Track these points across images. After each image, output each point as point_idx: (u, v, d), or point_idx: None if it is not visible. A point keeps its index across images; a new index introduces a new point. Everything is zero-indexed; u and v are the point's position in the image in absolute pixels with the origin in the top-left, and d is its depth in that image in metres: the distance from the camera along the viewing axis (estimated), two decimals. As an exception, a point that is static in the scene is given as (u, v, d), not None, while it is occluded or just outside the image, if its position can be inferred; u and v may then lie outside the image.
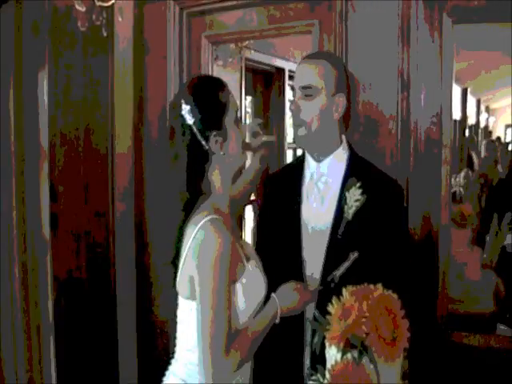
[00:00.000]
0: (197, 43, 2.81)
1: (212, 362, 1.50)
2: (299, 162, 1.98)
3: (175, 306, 1.73)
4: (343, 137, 1.93)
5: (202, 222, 1.55)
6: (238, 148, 1.69)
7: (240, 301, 1.60)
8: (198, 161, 1.62)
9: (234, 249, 1.59)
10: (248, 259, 1.70)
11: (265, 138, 2.13)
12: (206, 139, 1.61)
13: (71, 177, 2.60)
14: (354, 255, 1.69)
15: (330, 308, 1.41)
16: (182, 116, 1.60)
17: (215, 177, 1.67)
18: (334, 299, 1.42)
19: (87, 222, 2.69)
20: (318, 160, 1.89)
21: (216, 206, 1.64)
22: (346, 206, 1.75)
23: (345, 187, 1.78)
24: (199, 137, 1.60)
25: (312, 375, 1.44)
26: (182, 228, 1.63)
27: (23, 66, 2.48)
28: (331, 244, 1.80)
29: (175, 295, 1.72)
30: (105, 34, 2.52)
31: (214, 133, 1.61)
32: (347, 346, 1.35)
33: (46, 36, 2.48)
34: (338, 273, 1.70)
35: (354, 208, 1.74)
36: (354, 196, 1.74)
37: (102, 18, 2.45)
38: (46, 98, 2.48)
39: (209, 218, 1.55)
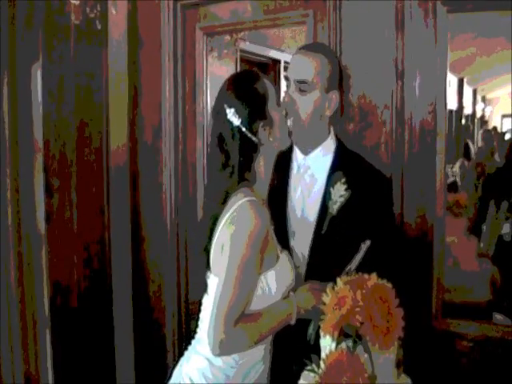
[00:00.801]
0: (191, 35, 2.80)
1: (225, 331, 1.52)
2: (288, 153, 1.97)
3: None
4: (331, 128, 1.92)
5: (240, 202, 1.59)
6: (283, 129, 1.73)
7: (272, 286, 1.63)
8: (250, 156, 1.66)
9: (270, 235, 1.63)
10: (281, 251, 1.73)
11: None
12: (255, 133, 1.64)
13: (66, 171, 2.59)
14: (365, 244, 1.67)
15: (325, 298, 1.42)
16: (228, 120, 1.63)
17: (259, 165, 1.70)
18: (329, 289, 1.43)
19: (82, 216, 2.68)
20: (305, 153, 1.89)
21: (255, 192, 1.67)
22: (330, 202, 1.76)
23: (330, 182, 1.79)
24: (249, 134, 1.63)
25: (306, 365, 1.45)
26: (217, 219, 1.65)
27: (17, 60, 2.46)
28: (315, 239, 1.81)
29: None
30: (99, 27, 2.51)
31: (262, 123, 1.65)
32: (342, 335, 1.35)
33: (39, 29, 2.46)
34: (353, 267, 1.67)
35: (338, 203, 1.75)
36: (339, 191, 1.75)
37: (95, 10, 2.45)
38: (39, 91, 2.47)
39: (248, 198, 1.59)
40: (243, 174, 1.64)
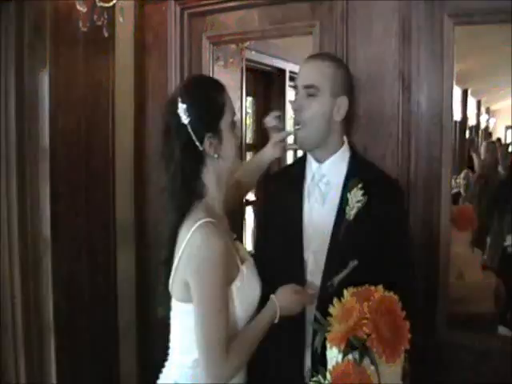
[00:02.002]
0: (198, 44, 2.82)
1: (213, 365, 1.53)
2: (301, 162, 1.98)
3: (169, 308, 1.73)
4: (345, 138, 1.93)
5: (195, 226, 1.55)
6: (232, 152, 1.68)
7: (235, 304, 1.62)
8: (192, 162, 1.61)
9: (228, 252, 1.60)
10: (242, 261, 1.70)
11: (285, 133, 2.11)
12: (201, 141, 1.59)
13: (72, 178, 2.60)
14: (353, 263, 1.68)
15: (331, 309, 1.42)
16: (177, 114, 1.59)
17: (209, 179, 1.66)
18: (336, 300, 1.43)
19: (88, 222, 2.68)
20: (320, 161, 1.89)
21: (210, 209, 1.64)
22: (347, 207, 1.75)
23: (347, 188, 1.78)
24: (194, 137, 1.59)
25: (313, 376, 1.45)
26: (176, 229, 1.63)
27: (24, 66, 2.47)
28: (332, 245, 1.79)
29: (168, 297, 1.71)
30: (106, 35, 2.52)
31: (209, 135, 1.60)
32: (348, 347, 1.35)
33: (47, 36, 2.47)
34: (336, 279, 1.70)
35: (355, 209, 1.74)
36: (356, 197, 1.74)
37: (103, 18, 2.45)
38: (46, 98, 2.47)
39: (202, 221, 1.55)
40: (190, 183, 1.61)
